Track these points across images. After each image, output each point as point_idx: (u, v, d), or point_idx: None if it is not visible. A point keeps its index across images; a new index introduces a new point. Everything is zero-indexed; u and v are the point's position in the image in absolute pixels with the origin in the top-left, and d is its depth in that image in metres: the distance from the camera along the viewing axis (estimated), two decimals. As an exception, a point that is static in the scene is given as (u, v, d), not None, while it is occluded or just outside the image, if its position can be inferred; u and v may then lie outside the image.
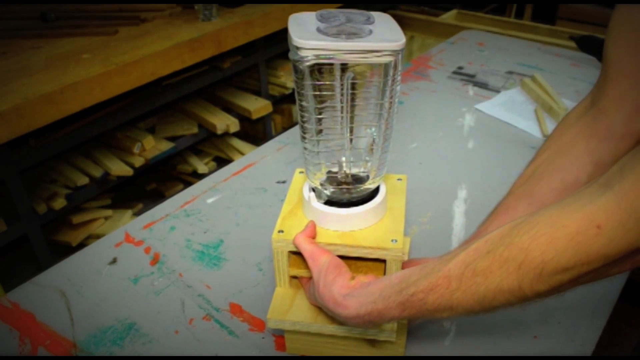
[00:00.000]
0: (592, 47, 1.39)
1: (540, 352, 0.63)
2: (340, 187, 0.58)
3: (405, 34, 0.50)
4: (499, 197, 0.64)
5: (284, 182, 0.94)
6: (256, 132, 2.14)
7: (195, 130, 1.83)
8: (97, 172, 1.60)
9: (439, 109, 1.18)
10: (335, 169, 0.59)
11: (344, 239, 0.56)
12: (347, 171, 0.59)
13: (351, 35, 0.49)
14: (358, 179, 0.59)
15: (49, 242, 1.51)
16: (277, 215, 0.60)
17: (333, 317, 0.54)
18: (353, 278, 0.52)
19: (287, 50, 0.51)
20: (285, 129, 1.76)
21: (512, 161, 0.95)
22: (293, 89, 0.63)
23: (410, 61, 1.43)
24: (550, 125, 1.08)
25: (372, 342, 0.60)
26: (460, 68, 1.37)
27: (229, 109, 1.95)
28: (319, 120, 0.54)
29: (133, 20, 1.68)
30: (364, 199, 0.58)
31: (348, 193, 0.58)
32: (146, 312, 0.69)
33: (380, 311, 0.47)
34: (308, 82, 0.51)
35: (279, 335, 0.65)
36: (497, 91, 1.25)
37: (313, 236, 0.56)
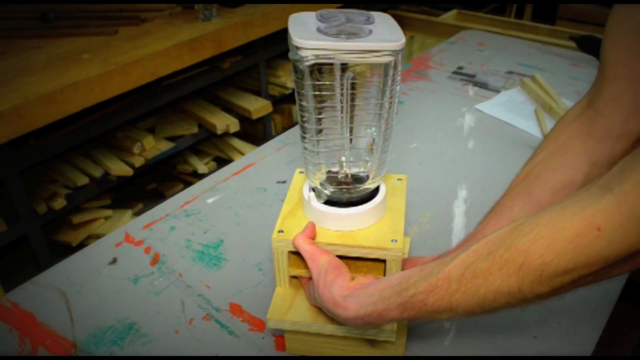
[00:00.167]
0: (592, 47, 1.39)
1: (540, 352, 0.63)
2: (340, 187, 0.58)
3: (405, 34, 0.50)
4: (499, 197, 0.64)
5: (284, 182, 0.94)
6: (256, 132, 2.14)
7: (195, 130, 1.83)
8: (97, 172, 1.60)
9: (439, 109, 1.18)
10: (335, 169, 0.59)
11: (343, 238, 0.56)
12: (347, 171, 0.59)
13: (351, 35, 0.49)
14: (358, 179, 0.59)
15: (49, 242, 1.51)
16: (277, 215, 0.60)
17: (333, 317, 0.54)
18: (353, 279, 0.52)
19: (287, 50, 0.51)
20: (285, 129, 1.76)
21: (512, 161, 0.95)
22: (293, 89, 0.63)
23: (410, 61, 1.43)
24: (550, 125, 1.08)
25: (372, 342, 0.60)
26: (460, 68, 1.37)
27: (229, 109, 1.95)
28: (319, 120, 0.54)
29: (133, 20, 1.68)
30: (364, 199, 0.58)
31: (348, 193, 0.58)
32: (146, 312, 0.69)
33: (380, 312, 0.47)
34: (308, 82, 0.51)
35: (279, 335, 0.65)
36: (497, 91, 1.25)
37: (313, 237, 0.56)
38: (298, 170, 0.67)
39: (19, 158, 1.34)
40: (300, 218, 0.59)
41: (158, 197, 1.84)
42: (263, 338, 0.65)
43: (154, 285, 0.73)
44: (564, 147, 0.60)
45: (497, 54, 1.46)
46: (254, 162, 1.01)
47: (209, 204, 0.89)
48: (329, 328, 0.57)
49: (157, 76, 1.51)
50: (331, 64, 0.50)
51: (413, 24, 2.26)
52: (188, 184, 1.50)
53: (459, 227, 0.83)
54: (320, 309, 0.57)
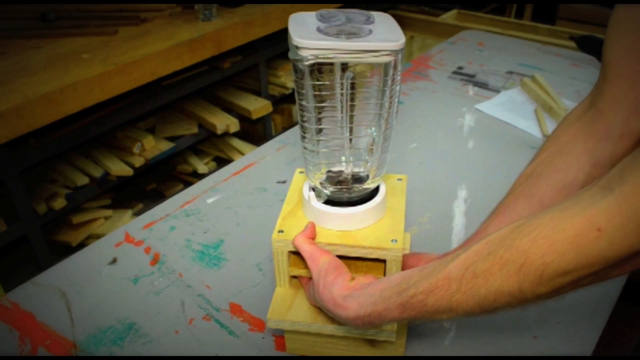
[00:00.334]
0: (592, 47, 1.39)
1: (540, 352, 0.63)
2: (340, 187, 0.58)
3: (405, 34, 0.50)
4: (499, 197, 0.64)
5: (284, 182, 0.94)
6: (256, 132, 2.14)
7: (195, 130, 1.83)
8: (97, 172, 1.60)
9: (439, 109, 1.18)
10: (335, 169, 0.59)
11: (343, 238, 0.56)
12: (347, 171, 0.59)
13: (351, 35, 0.49)
14: (358, 179, 0.59)
15: (49, 242, 1.51)
16: (277, 215, 0.60)
17: (333, 317, 0.54)
18: (353, 279, 0.52)
19: (287, 50, 0.51)
20: (285, 129, 1.76)
21: (512, 161, 0.96)
22: (293, 89, 0.63)
23: (410, 61, 1.43)
24: (550, 125, 1.08)
25: (372, 342, 0.60)
26: (460, 68, 1.37)
27: (229, 109, 1.95)
28: (319, 120, 0.54)
29: (133, 20, 1.68)
30: (363, 199, 0.58)
31: (348, 193, 0.58)
32: (146, 312, 0.69)
33: (380, 312, 0.47)
34: (308, 81, 0.51)
35: (279, 335, 0.65)
36: (497, 91, 1.25)
37: (313, 237, 0.56)
38: (298, 170, 0.67)
39: (19, 158, 1.34)
40: (300, 218, 0.59)
41: (158, 197, 1.84)
42: (263, 338, 0.65)
43: (154, 285, 0.73)
44: (566, 147, 0.60)
45: (497, 54, 1.46)
46: (254, 162, 1.01)
47: (209, 204, 0.89)
48: (329, 328, 0.57)
49: (157, 76, 1.51)
50: (331, 64, 0.50)
51: (413, 24, 2.26)
52: (188, 184, 1.50)
53: (459, 227, 0.83)
54: (320, 309, 0.57)
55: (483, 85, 1.28)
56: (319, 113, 0.54)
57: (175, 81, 1.70)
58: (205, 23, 1.67)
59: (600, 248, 0.37)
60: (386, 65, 0.50)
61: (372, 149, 0.57)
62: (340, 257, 0.56)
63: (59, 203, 1.48)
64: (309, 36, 0.49)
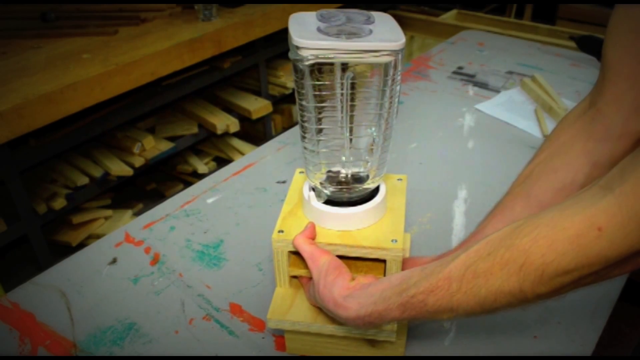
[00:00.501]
0: (592, 47, 1.39)
1: (540, 352, 0.63)
2: (340, 187, 0.58)
3: (405, 34, 0.50)
4: (499, 197, 0.64)
5: (284, 182, 0.94)
6: (256, 132, 2.14)
7: (195, 130, 1.83)
8: (97, 172, 1.60)
9: (439, 109, 1.18)
10: (335, 169, 0.59)
11: (343, 238, 0.56)
12: (347, 171, 0.59)
13: (351, 35, 0.49)
14: (358, 179, 0.59)
15: (49, 242, 1.51)
16: (277, 215, 0.60)
17: (333, 317, 0.54)
18: (353, 279, 0.52)
19: (287, 50, 0.51)
20: (285, 129, 1.76)
21: (512, 161, 0.95)
22: (293, 89, 0.63)
23: (410, 61, 1.43)
24: (550, 125, 1.08)
25: (372, 342, 0.60)
26: (460, 68, 1.37)
27: (229, 109, 1.95)
28: (319, 120, 0.54)
29: (133, 20, 1.68)
30: (363, 199, 0.58)
31: (348, 193, 0.58)
32: (146, 312, 0.69)
33: (381, 312, 0.47)
34: (308, 81, 0.51)
35: (279, 335, 0.65)
36: (497, 91, 1.25)
37: (313, 237, 0.56)
38: (298, 170, 0.67)
39: (19, 158, 1.34)
40: (300, 218, 0.59)
41: (158, 197, 1.84)
42: (263, 338, 0.65)
43: (154, 285, 0.73)
44: (565, 148, 0.60)
45: (497, 54, 1.46)
46: (254, 162, 1.01)
47: (209, 204, 0.89)
48: (329, 328, 0.57)
49: (157, 76, 1.51)
50: (331, 64, 0.50)
51: (413, 24, 2.26)
52: (188, 184, 1.50)
53: (459, 227, 0.83)
54: (320, 309, 0.57)
55: (483, 85, 1.28)
56: (319, 113, 0.54)
57: (175, 81, 1.70)
58: (205, 23, 1.67)
59: (601, 247, 0.37)
60: (386, 65, 0.50)
61: (372, 149, 0.57)
62: (340, 257, 0.56)
63: (59, 203, 1.48)
64: (309, 36, 0.49)
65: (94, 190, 1.59)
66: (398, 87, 0.53)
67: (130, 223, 0.85)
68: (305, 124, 0.54)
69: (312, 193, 0.59)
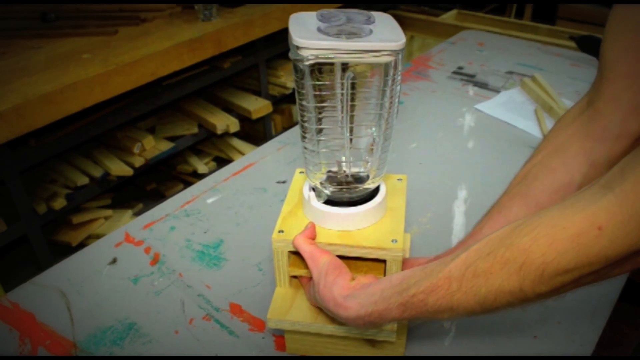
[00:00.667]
0: (592, 47, 1.39)
1: (540, 352, 0.63)
2: (340, 187, 0.58)
3: (405, 34, 0.50)
4: (498, 197, 0.64)
5: (284, 182, 0.94)
6: (256, 132, 2.14)
7: (195, 130, 1.83)
8: (97, 172, 1.60)
9: (439, 109, 1.18)
10: (335, 169, 0.59)
11: (343, 238, 0.56)
12: (347, 171, 0.59)
13: (351, 35, 0.49)
14: (358, 179, 0.59)
15: (49, 242, 1.51)
16: (277, 215, 0.60)
17: (333, 317, 0.54)
18: (353, 279, 0.52)
19: (287, 50, 0.51)
20: (285, 129, 1.76)
21: (512, 161, 0.95)
22: (293, 89, 0.63)
23: (410, 61, 1.43)
24: (550, 126, 1.08)
25: (372, 342, 0.60)
26: (460, 68, 1.37)
27: (229, 109, 1.95)
28: (319, 120, 0.54)
29: (133, 20, 1.68)
30: (364, 199, 0.58)
31: (348, 193, 0.58)
32: (146, 312, 0.69)
33: (381, 312, 0.47)
34: (308, 81, 0.51)
35: (279, 335, 0.65)
36: (497, 91, 1.25)
37: (313, 237, 0.56)
38: (298, 170, 0.67)
39: (19, 158, 1.34)
40: (300, 218, 0.59)
41: (158, 197, 1.84)
42: (263, 338, 0.65)
43: (154, 285, 0.73)
44: (563, 147, 0.60)
45: (497, 54, 1.46)
46: (254, 162, 1.01)
47: (209, 204, 0.89)
48: (329, 328, 0.57)
49: (157, 76, 1.51)
50: (331, 64, 0.50)
51: (413, 24, 2.26)
52: (188, 184, 1.50)
53: (459, 227, 0.83)
54: (321, 309, 0.57)
55: (483, 85, 1.28)
56: (319, 113, 0.54)
57: (175, 81, 1.70)
58: (205, 23, 1.67)
59: (601, 247, 0.37)
60: (386, 65, 0.50)
61: (372, 149, 0.57)
62: (341, 257, 0.56)
63: (59, 203, 1.48)
64: (310, 36, 0.49)
65: (94, 190, 1.59)
66: (398, 87, 0.52)
67: (130, 223, 0.85)
68: (306, 124, 0.54)
69: (312, 193, 0.59)
